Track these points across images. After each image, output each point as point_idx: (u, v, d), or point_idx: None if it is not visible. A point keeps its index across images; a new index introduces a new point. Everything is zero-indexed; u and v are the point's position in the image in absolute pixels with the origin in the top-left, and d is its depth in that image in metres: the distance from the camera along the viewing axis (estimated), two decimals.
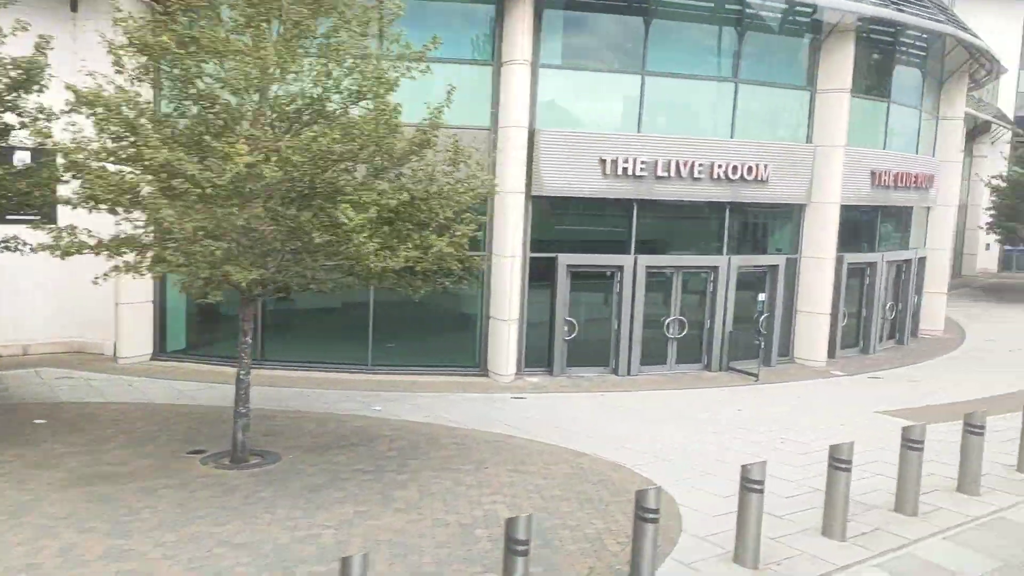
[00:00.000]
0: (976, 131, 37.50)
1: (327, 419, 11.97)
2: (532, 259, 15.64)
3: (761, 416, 13.16)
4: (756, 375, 16.18)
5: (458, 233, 8.94)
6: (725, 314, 16.76)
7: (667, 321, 16.56)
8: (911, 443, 8.51)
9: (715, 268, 16.69)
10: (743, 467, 7.24)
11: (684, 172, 15.87)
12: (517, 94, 14.86)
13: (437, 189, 9.53)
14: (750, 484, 7.12)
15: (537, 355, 15.86)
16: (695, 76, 16.27)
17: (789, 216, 17.74)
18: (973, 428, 9.20)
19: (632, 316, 16.05)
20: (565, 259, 15.69)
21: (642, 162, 15.56)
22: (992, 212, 31.90)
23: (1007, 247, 40.20)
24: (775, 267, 17.38)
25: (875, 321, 19.19)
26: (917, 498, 8.56)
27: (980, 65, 22.13)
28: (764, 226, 18.02)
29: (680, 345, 16.70)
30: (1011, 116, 41.05)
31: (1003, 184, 30.95)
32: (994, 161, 36.55)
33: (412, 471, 9.60)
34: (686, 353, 16.79)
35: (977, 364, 18.58)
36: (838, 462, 7.80)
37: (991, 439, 11.59)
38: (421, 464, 9.89)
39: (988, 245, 35.55)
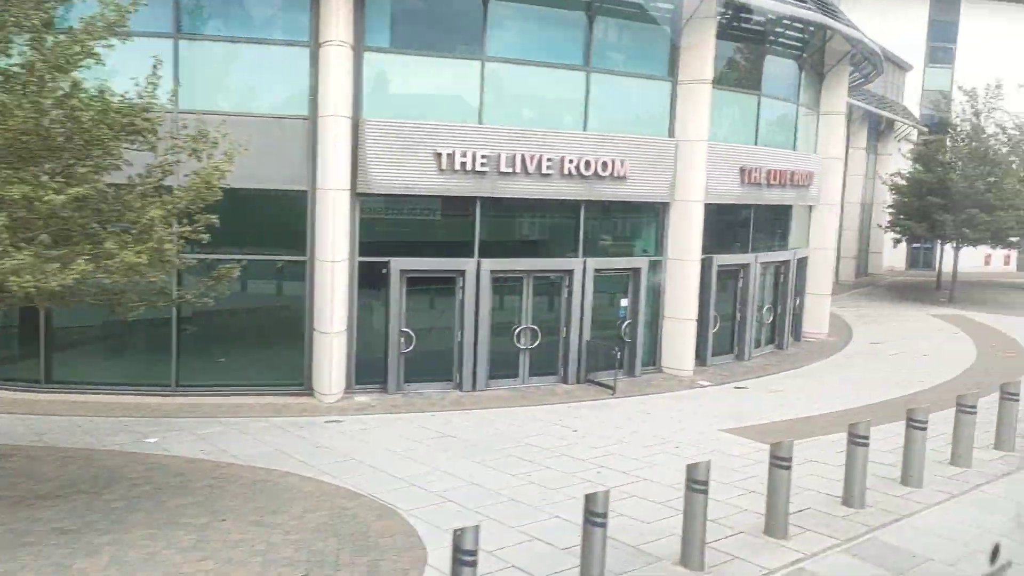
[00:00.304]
0: (879, 128, 37.36)
1: (77, 457, 10.20)
2: (362, 264, 14.09)
3: (595, 438, 11.86)
4: (612, 388, 14.92)
5: (157, 237, 7.29)
6: (582, 322, 15.45)
7: (518, 330, 15.17)
8: (696, 484, 7.22)
9: (570, 272, 15.37)
10: (455, 532, 5.81)
11: (531, 167, 14.50)
12: (337, 79, 13.26)
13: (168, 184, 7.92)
14: (461, 556, 5.70)
15: (371, 371, 14.30)
16: (542, 63, 14.90)
17: (652, 215, 16.54)
18: (780, 461, 7.98)
19: (477, 326, 14.61)
20: (399, 264, 14.15)
21: (483, 156, 14.13)
22: (891, 211, 31.52)
23: (914, 245, 40.13)
24: (637, 270, 16.15)
25: (750, 326, 18.16)
26: (703, 549, 7.27)
27: (865, 58, 21.40)
28: (625, 226, 16.80)
29: (533, 356, 15.32)
30: (917, 114, 41.06)
31: (903, 182, 30.56)
32: (897, 160, 36.32)
33: (125, 528, 7.93)
34: (541, 364, 15.43)
35: (852, 370, 17.72)
36: (592, 515, 6.44)
37: (832, 462, 10.55)
38: (145, 518, 8.23)
39: (896, 243, 35.23)
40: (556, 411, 13.60)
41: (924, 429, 9.69)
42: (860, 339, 21.54)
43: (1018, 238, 30.78)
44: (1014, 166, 30.13)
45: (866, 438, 8.91)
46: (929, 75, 42.45)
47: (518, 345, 15.16)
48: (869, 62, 21.68)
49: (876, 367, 18.17)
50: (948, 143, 29.99)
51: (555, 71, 15.09)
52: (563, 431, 12.29)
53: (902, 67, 40.07)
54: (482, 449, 11.17)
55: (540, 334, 15.26)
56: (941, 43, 42.36)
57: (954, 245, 29.22)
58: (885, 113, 34.27)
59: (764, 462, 10.41)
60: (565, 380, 15.44)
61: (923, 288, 33.78)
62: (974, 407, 10.51)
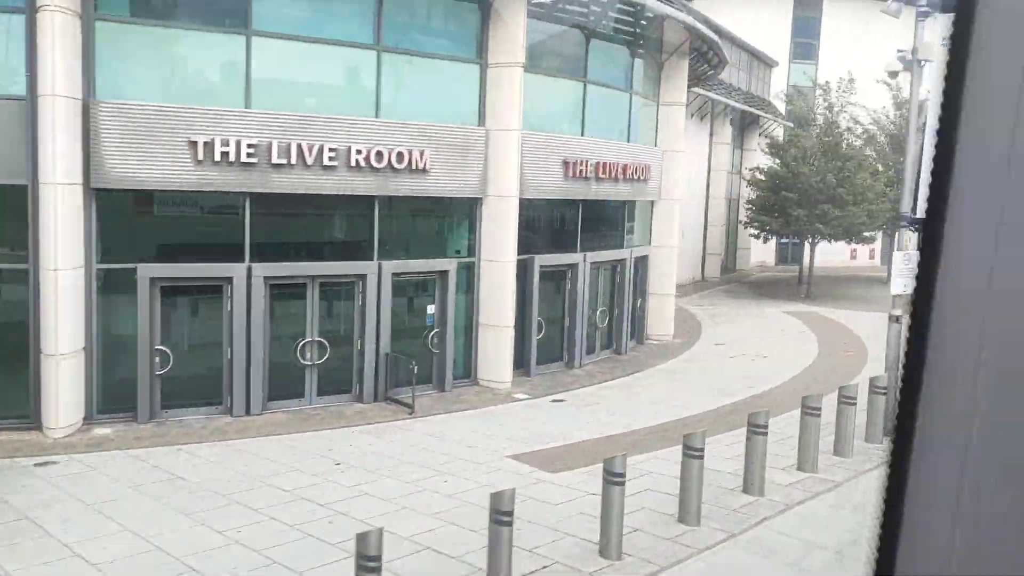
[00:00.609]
0: (744, 122, 37.29)
1: None
2: (102, 272, 11.95)
3: (357, 473, 10.19)
4: (411, 407, 13.29)
5: None
6: (379, 332, 13.74)
7: (302, 344, 13.32)
8: (365, 560, 5.62)
9: (363, 277, 13.62)
10: None
11: (310, 158, 12.67)
12: (58, 51, 11.05)
13: None
14: None
15: (121, 397, 12.17)
16: (323, 40, 13.08)
17: (463, 212, 14.99)
18: (500, 516, 6.49)
19: (249, 340, 12.67)
20: (148, 271, 12.06)
21: (249, 146, 12.20)
22: (749, 207, 31.21)
23: (782, 240, 40.36)
24: (445, 273, 14.55)
25: (579, 331, 16.86)
26: None
27: (708, 47, 20.55)
28: (431, 225, 15.21)
29: (322, 373, 13.52)
30: (783, 109, 41.28)
31: (761, 177, 30.25)
32: (760, 155, 36.28)
33: None
34: (332, 382, 13.65)
35: (684, 377, 16.71)
36: None
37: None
38: None
39: (763, 239, 35.10)
40: (332, 438, 11.85)
41: (700, 458, 8.44)
42: (706, 340, 20.71)
43: (871, 233, 30.99)
44: (871, 160, 30.34)
45: (622, 475, 7.56)
46: (794, 71, 42.81)
47: (303, 361, 13.31)
48: (712, 51, 20.85)
49: (712, 372, 17.24)
50: (806, 138, 29.82)
51: (339, 49, 13.31)
52: (325, 465, 10.55)
53: (768, 63, 40.22)
54: (207, 494, 9.30)
55: (330, 348, 13.46)
56: (805, 39, 42.83)
57: (809, 240, 29.07)
58: (740, 105, 33.97)
59: (533, 499, 9.05)
60: (361, 399, 13.70)
61: (787, 284, 33.70)
62: (765, 427, 9.39)
